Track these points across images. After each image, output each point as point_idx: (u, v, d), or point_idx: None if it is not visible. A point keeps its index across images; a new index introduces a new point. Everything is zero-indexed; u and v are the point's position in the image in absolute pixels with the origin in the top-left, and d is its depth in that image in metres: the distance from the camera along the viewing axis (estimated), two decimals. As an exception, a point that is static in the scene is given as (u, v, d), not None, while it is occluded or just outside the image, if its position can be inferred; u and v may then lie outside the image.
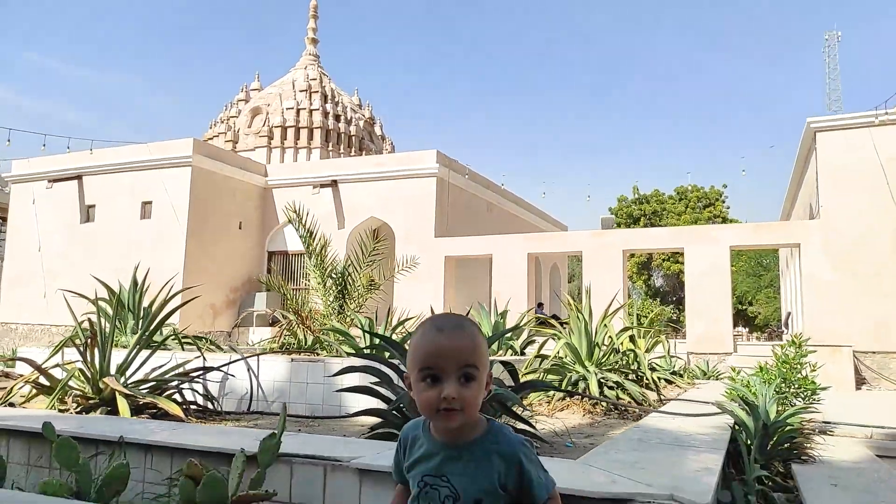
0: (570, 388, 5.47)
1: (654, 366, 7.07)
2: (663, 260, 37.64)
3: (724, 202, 37.79)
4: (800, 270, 14.07)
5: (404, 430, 1.52)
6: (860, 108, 13.53)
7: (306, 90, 23.00)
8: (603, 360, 5.82)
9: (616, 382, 5.53)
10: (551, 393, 5.46)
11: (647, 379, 5.94)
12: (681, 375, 8.11)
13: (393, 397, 3.47)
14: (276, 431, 2.49)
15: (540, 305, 17.69)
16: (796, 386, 5.04)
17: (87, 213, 18.98)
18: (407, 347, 3.79)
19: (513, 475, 1.40)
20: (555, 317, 11.68)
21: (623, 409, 5.17)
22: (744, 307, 36.68)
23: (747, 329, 37.09)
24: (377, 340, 3.98)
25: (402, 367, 3.52)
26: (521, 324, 7.34)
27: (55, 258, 18.83)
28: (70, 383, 4.40)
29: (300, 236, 6.96)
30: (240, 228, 18.92)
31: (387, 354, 3.96)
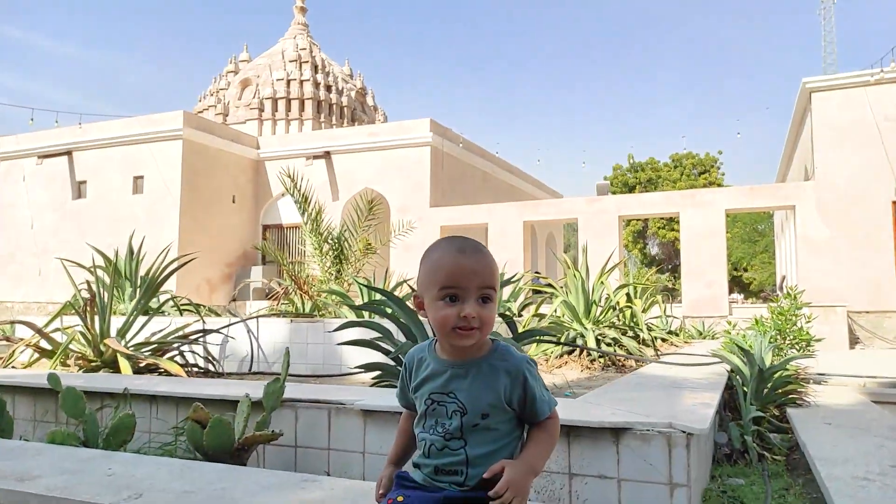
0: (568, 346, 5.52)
1: (651, 326, 7.14)
2: (659, 228, 37.72)
3: (719, 168, 37.77)
4: (795, 233, 14.13)
5: (409, 354, 1.55)
6: (856, 70, 13.43)
7: (296, 60, 22.69)
8: (600, 317, 5.87)
9: (613, 339, 5.58)
10: (549, 350, 5.51)
11: (644, 335, 6.00)
12: (677, 335, 8.18)
13: (393, 350, 3.50)
14: (279, 376, 2.52)
15: (536, 273, 17.76)
16: (791, 337, 5.10)
17: (79, 189, 18.82)
18: (409, 305, 3.82)
19: (518, 391, 1.43)
20: (550, 286, 11.70)
21: (621, 364, 5.24)
22: (739, 273, 36.92)
23: (742, 296, 37.36)
24: (377, 296, 4.00)
25: (402, 319, 3.54)
26: (518, 288, 7.38)
27: (48, 235, 18.72)
28: (71, 347, 4.42)
29: (295, 202, 6.94)
30: (233, 202, 18.82)
31: (388, 311, 3.99)
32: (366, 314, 4.74)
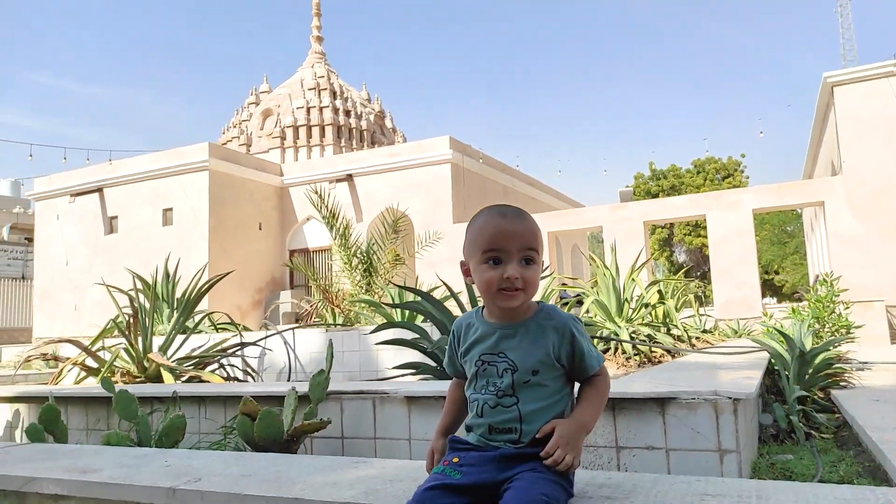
0: (602, 345, 5.49)
1: (684, 325, 7.07)
2: (685, 235, 37.30)
3: (742, 172, 37.33)
4: (825, 229, 13.90)
5: (457, 322, 1.60)
6: (877, 62, 13.28)
7: (315, 88, 23.15)
8: (633, 315, 5.84)
9: (648, 336, 5.54)
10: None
11: (679, 330, 5.95)
12: (711, 333, 8.08)
13: (430, 346, 3.54)
14: (323, 368, 2.57)
15: (563, 286, 17.66)
16: (830, 324, 5.02)
17: (111, 225, 19.33)
18: (445, 306, 3.86)
19: (566, 347, 1.46)
20: (578, 298, 11.63)
21: (657, 360, 5.20)
22: (770, 276, 36.24)
23: (775, 299, 36.61)
24: (412, 296, 4.03)
25: (437, 316, 3.58)
26: (546, 293, 7.36)
27: (81, 271, 19.20)
28: (116, 364, 4.54)
29: (323, 217, 7.07)
30: (259, 229, 19.14)
31: (425, 308, 4.02)
32: (398, 317, 4.80)
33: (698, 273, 36.57)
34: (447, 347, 1.64)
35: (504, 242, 1.43)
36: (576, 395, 1.53)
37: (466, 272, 1.52)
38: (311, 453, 2.60)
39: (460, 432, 1.60)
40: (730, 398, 2.00)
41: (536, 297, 1.56)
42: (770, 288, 36.80)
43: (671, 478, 1.54)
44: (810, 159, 19.33)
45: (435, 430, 1.64)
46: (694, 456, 2.02)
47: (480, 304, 1.60)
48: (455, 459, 1.47)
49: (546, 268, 1.68)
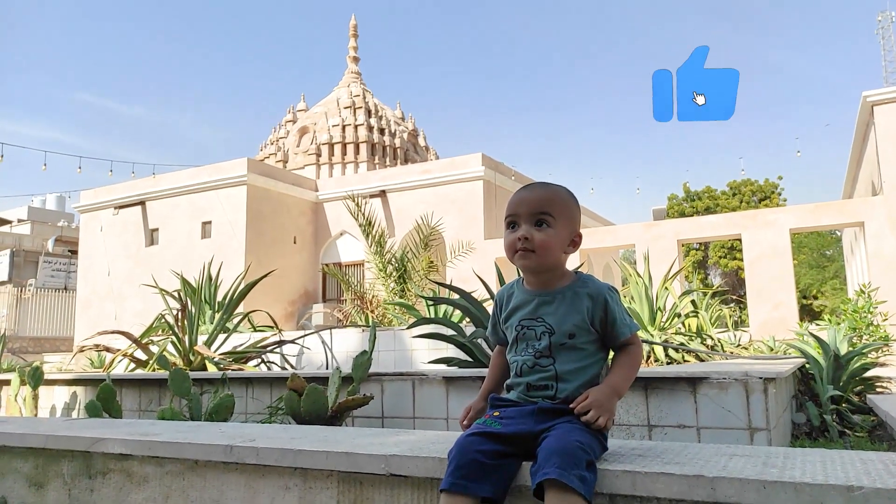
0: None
1: (719, 340, 7.01)
2: (720, 258, 36.68)
3: (780, 194, 36.67)
4: (865, 251, 13.61)
5: (499, 292, 1.72)
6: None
7: (350, 107, 23.66)
8: (665, 324, 5.84)
9: (681, 344, 5.54)
10: (615, 359, 5.53)
11: (713, 341, 5.93)
12: (746, 349, 7.98)
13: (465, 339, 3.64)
14: (366, 350, 2.70)
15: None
16: (867, 336, 4.97)
17: (151, 237, 19.94)
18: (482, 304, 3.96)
19: (599, 312, 1.56)
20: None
21: (689, 369, 5.20)
22: (808, 301, 35.31)
23: (813, 324, 35.59)
24: (450, 293, 4.12)
25: (473, 310, 3.69)
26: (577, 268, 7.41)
27: (123, 281, 19.79)
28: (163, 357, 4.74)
29: (360, 225, 7.26)
30: (294, 243, 19.53)
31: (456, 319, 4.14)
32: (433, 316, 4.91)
33: (734, 298, 35.86)
34: (490, 317, 1.76)
35: (518, 207, 1.57)
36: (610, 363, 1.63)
37: None
38: (352, 431, 2.71)
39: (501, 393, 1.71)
40: (760, 378, 2.06)
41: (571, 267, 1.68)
42: (808, 313, 35.79)
43: (700, 445, 1.62)
44: (849, 180, 18.98)
45: (479, 391, 1.75)
46: (724, 434, 2.08)
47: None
48: (496, 413, 1.59)
49: (577, 238, 1.76)
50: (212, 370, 4.38)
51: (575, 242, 1.63)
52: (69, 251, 27.97)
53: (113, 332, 5.04)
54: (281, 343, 5.22)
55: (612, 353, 1.63)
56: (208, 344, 4.99)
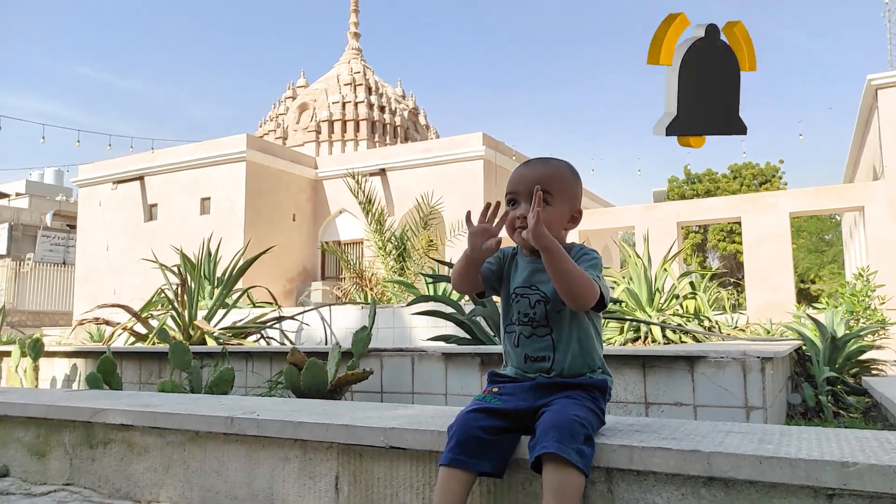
0: (632, 333, 5.55)
1: (717, 322, 7.05)
2: (719, 241, 36.70)
3: (780, 178, 36.58)
4: (864, 235, 13.62)
5: (503, 249, 1.72)
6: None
7: (351, 84, 23.46)
8: (664, 305, 5.86)
9: (679, 325, 5.57)
10: (612, 339, 5.56)
11: (710, 322, 5.96)
12: (742, 331, 8.02)
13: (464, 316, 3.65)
14: (366, 325, 2.71)
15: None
16: (864, 319, 5.00)
17: (150, 212, 19.88)
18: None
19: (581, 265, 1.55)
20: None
21: (686, 349, 5.23)
22: (806, 286, 35.42)
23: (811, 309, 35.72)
24: (449, 271, 4.15)
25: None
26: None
27: (121, 256, 19.78)
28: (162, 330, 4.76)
29: (359, 203, 7.24)
30: (293, 220, 19.49)
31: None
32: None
33: (732, 281, 35.93)
34: (487, 263, 1.67)
35: (516, 185, 1.57)
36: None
37: None
38: (351, 405, 2.74)
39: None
40: (758, 357, 2.07)
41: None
42: (806, 297, 35.89)
43: (697, 422, 1.63)
44: (851, 164, 18.93)
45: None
46: (721, 412, 2.10)
47: None
48: (495, 389, 1.60)
49: (577, 214, 1.73)
50: (211, 344, 4.41)
51: (575, 219, 1.64)
52: (68, 225, 27.93)
53: (112, 306, 5.06)
54: (280, 319, 5.24)
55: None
56: (208, 319, 5.01)
